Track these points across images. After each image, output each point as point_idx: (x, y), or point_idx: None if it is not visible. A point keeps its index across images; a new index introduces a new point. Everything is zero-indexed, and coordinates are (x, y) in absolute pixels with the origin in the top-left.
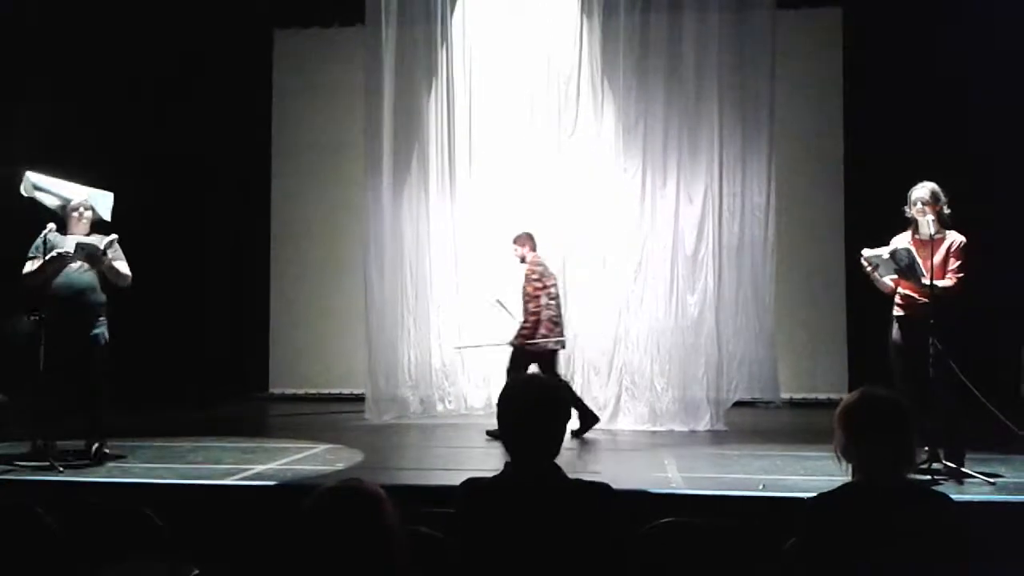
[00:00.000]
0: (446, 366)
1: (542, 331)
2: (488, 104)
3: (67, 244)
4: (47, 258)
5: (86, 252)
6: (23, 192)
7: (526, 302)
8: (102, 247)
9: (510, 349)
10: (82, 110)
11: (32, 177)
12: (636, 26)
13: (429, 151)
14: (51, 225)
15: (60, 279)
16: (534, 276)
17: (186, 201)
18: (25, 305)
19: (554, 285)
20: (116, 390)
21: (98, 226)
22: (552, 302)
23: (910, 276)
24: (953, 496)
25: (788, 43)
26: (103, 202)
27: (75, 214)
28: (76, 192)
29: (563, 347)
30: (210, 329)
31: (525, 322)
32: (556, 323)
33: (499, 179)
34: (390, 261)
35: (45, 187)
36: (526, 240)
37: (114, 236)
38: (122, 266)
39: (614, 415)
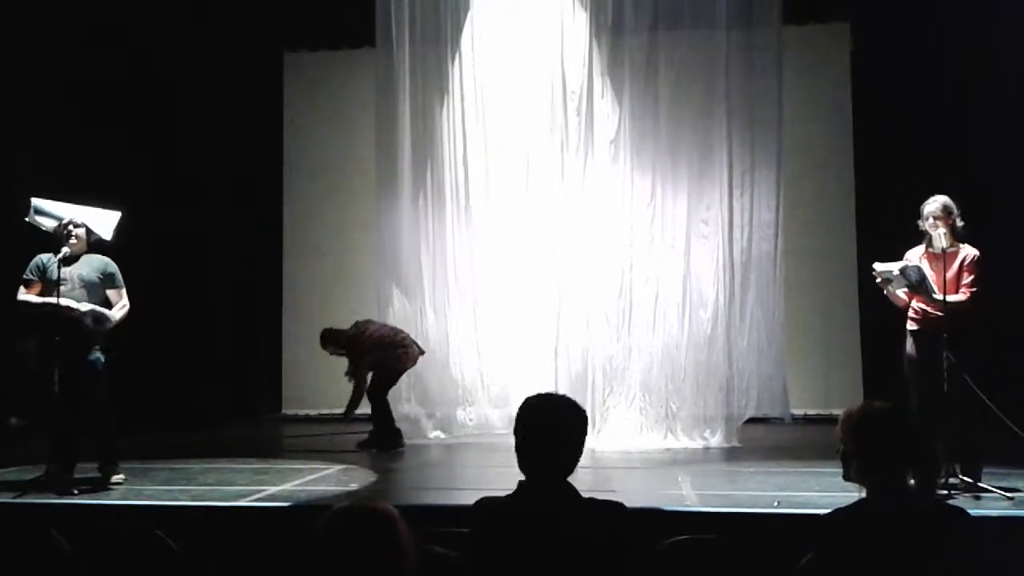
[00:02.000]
0: (466, 385)
1: (391, 361)
2: (499, 123)
3: (76, 288)
4: (56, 303)
5: (93, 317)
6: (27, 219)
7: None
8: (113, 319)
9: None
10: (92, 132)
11: (35, 203)
12: (644, 44)
13: (443, 170)
14: (65, 250)
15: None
16: (353, 355)
17: (198, 222)
18: (32, 328)
19: (369, 334)
20: (126, 412)
21: (97, 246)
22: (377, 347)
23: (921, 292)
24: (970, 511)
25: (796, 59)
26: (105, 222)
27: (65, 233)
28: (74, 213)
29: (413, 363)
30: (222, 350)
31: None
32: (389, 346)
33: (512, 196)
34: (406, 281)
35: (46, 210)
36: (328, 341)
37: (99, 310)
38: (122, 299)
39: (628, 433)
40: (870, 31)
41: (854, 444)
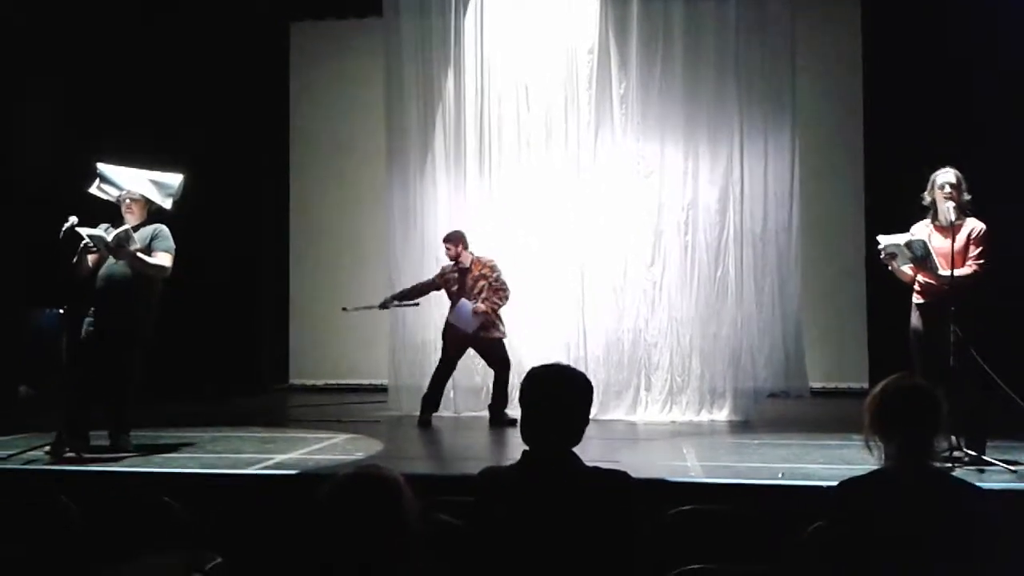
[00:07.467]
0: (472, 356)
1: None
2: (507, 93)
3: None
4: (78, 252)
5: (97, 244)
6: (91, 190)
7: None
8: (109, 239)
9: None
10: (97, 106)
11: (100, 169)
12: (655, 14)
13: (449, 141)
14: (72, 219)
15: (101, 270)
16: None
17: (205, 195)
18: (54, 297)
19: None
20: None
21: (158, 214)
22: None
23: (925, 267)
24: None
25: (808, 30)
26: (164, 188)
27: (122, 205)
28: (134, 180)
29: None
30: (230, 321)
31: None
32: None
33: (520, 166)
34: (413, 252)
35: (110, 177)
36: (459, 239)
37: (125, 227)
38: (159, 257)
39: (634, 405)
40: (881, 3)
41: (880, 417)
